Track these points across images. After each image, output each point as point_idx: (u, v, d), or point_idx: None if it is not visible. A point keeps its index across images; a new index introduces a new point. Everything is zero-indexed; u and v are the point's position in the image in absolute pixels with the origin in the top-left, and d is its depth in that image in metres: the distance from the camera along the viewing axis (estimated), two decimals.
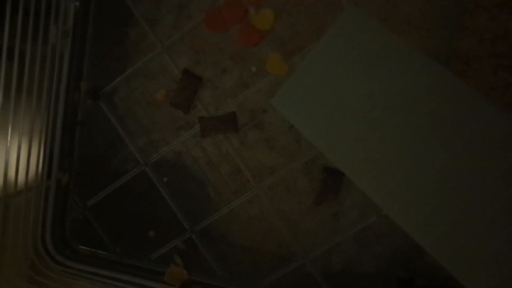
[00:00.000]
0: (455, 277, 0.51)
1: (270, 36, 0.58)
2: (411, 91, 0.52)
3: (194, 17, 0.60)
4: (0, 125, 0.52)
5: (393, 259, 0.62)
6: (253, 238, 0.64)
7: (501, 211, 0.50)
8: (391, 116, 0.53)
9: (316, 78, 0.56)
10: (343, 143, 0.55)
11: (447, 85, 0.51)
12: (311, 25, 0.57)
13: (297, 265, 0.63)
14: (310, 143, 0.60)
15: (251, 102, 0.61)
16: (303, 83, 0.57)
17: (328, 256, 0.63)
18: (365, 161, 0.54)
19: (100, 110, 0.63)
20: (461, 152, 0.51)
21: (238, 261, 0.65)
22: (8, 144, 0.54)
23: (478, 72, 0.56)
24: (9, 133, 0.54)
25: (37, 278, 0.59)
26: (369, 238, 0.62)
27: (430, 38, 0.56)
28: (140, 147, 0.64)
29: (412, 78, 0.52)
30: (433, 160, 0.52)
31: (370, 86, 0.53)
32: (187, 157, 0.63)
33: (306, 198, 0.62)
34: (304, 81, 0.57)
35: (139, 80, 0.62)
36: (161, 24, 0.61)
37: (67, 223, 0.67)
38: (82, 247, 0.67)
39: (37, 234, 0.63)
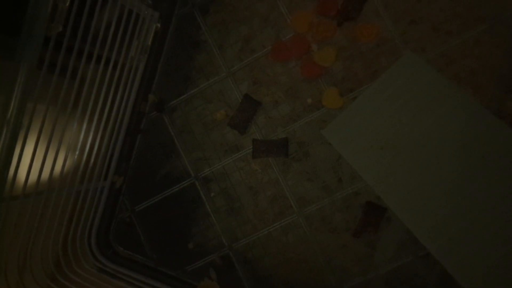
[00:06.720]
0: None
1: (329, 72, 0.63)
2: (461, 134, 0.55)
3: (257, 51, 0.66)
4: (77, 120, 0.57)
5: None
6: (288, 263, 0.66)
7: None
8: (439, 155, 0.56)
9: (368, 114, 0.60)
10: (389, 177, 0.57)
11: (497, 132, 0.54)
12: (368, 67, 0.62)
13: None
14: (350, 181, 0.63)
15: (300, 133, 0.65)
16: (355, 118, 0.60)
17: None
18: (409, 195, 0.56)
19: (162, 122, 0.68)
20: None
21: (270, 284, 0.66)
22: (79, 144, 0.59)
23: None
24: (83, 131, 0.59)
25: (67, 272, 0.60)
26: (400, 278, 0.62)
27: (479, 96, 0.59)
28: (193, 161, 0.68)
29: (464, 123, 0.55)
30: (478, 203, 0.53)
31: (421, 126, 0.56)
32: (235, 177, 0.67)
33: (342, 232, 0.64)
34: (357, 116, 0.60)
35: (200, 100, 0.68)
36: (227, 53, 0.67)
37: (114, 224, 0.70)
38: (122, 249, 0.70)
39: (86, 228, 0.66)
